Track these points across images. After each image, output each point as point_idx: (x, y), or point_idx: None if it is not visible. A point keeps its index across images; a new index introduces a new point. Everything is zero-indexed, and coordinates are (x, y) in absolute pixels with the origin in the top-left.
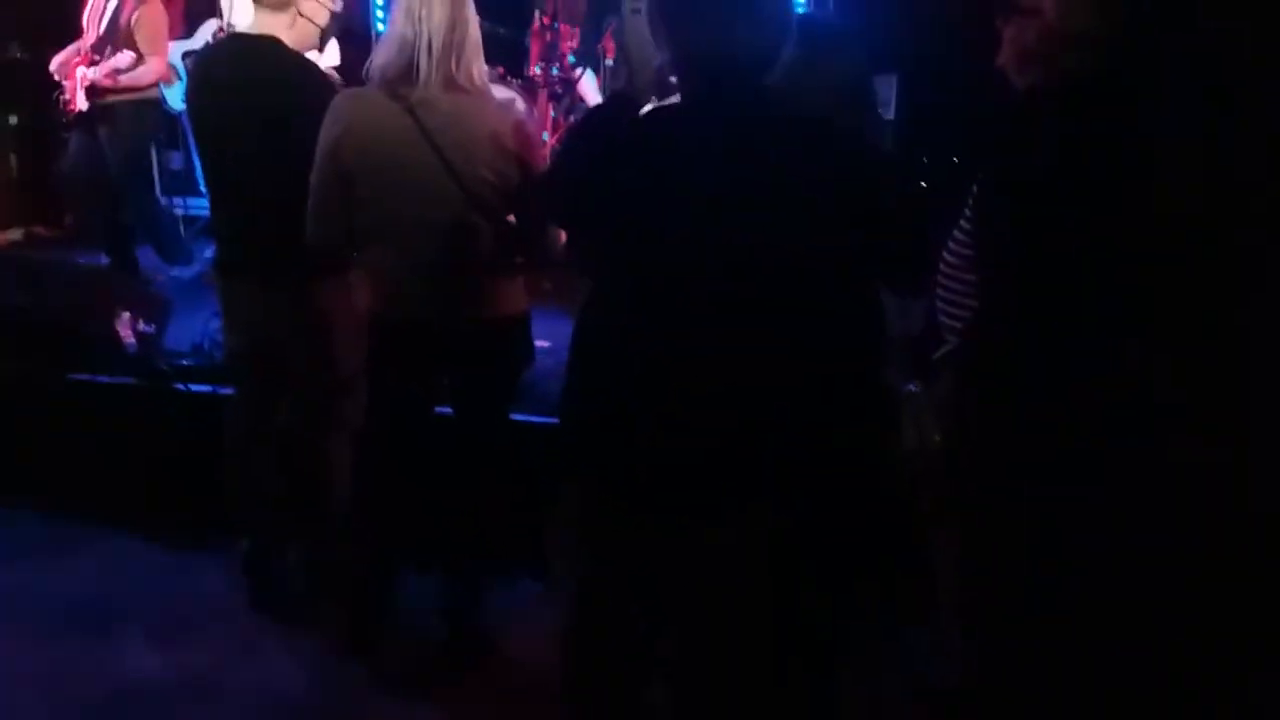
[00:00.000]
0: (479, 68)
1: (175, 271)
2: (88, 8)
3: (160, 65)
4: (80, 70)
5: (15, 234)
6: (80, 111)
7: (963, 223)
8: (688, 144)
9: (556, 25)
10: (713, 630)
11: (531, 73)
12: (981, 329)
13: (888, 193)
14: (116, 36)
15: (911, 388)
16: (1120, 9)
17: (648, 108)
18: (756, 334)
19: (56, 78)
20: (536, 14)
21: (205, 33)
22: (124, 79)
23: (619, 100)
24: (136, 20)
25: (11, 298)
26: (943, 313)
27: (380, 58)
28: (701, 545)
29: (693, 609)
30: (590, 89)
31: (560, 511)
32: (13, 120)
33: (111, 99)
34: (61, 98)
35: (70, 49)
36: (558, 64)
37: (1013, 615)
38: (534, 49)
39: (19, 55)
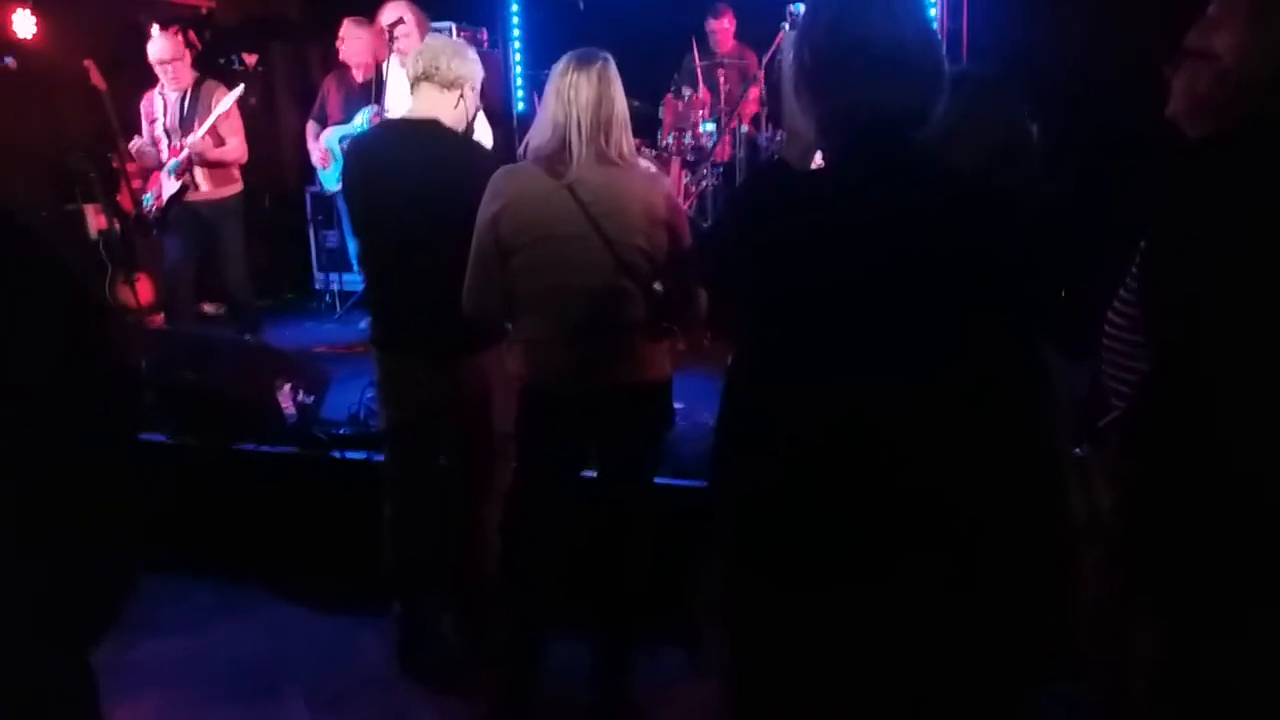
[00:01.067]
0: (628, 141)
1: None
2: (144, 106)
3: (243, 146)
4: (170, 162)
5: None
6: (169, 209)
7: (1129, 281)
8: (837, 207)
9: (689, 96)
10: (877, 693)
11: (665, 142)
12: (1150, 395)
13: (1043, 250)
14: (192, 126)
15: (1079, 453)
16: None
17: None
18: (915, 395)
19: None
20: (673, 87)
21: (361, 118)
22: (214, 154)
23: (776, 167)
24: (217, 106)
25: (180, 372)
26: (1108, 376)
27: (535, 138)
28: (857, 610)
29: (850, 671)
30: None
31: (709, 579)
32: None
33: (219, 195)
34: (144, 198)
35: (140, 148)
36: (690, 133)
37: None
38: (667, 119)
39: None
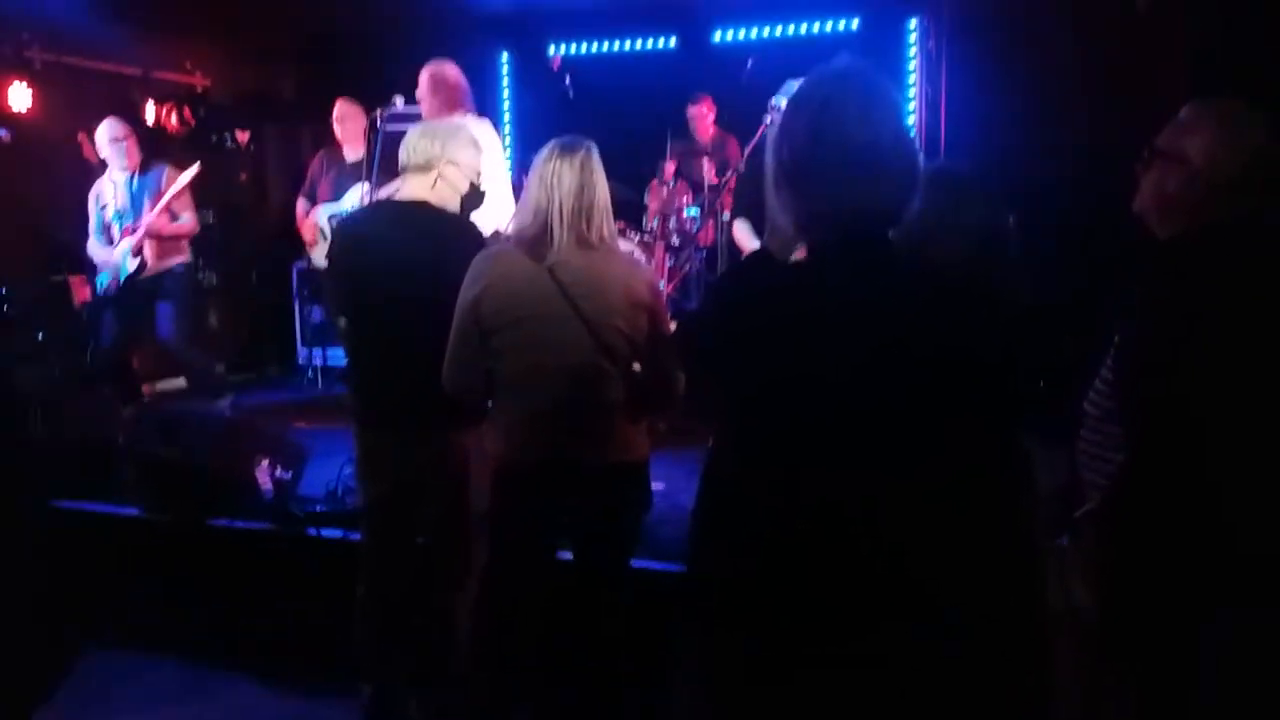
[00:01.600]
0: (608, 226)
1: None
2: (94, 193)
3: (194, 219)
4: (124, 243)
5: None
6: (125, 286)
7: (1104, 373)
8: (816, 301)
9: (674, 184)
10: None
11: (649, 226)
12: (1126, 486)
13: (1023, 342)
14: (142, 206)
15: (1063, 543)
16: (1276, 156)
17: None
18: (893, 487)
19: (97, 260)
20: (658, 173)
21: (351, 197)
22: (169, 230)
23: (759, 257)
24: (171, 185)
25: (157, 446)
26: (1085, 466)
27: (518, 222)
28: (835, 699)
29: None
30: (745, 235)
31: (685, 662)
32: (211, 280)
33: (166, 265)
34: (99, 277)
35: (92, 251)
36: (675, 218)
37: None
38: (652, 204)
39: (210, 220)
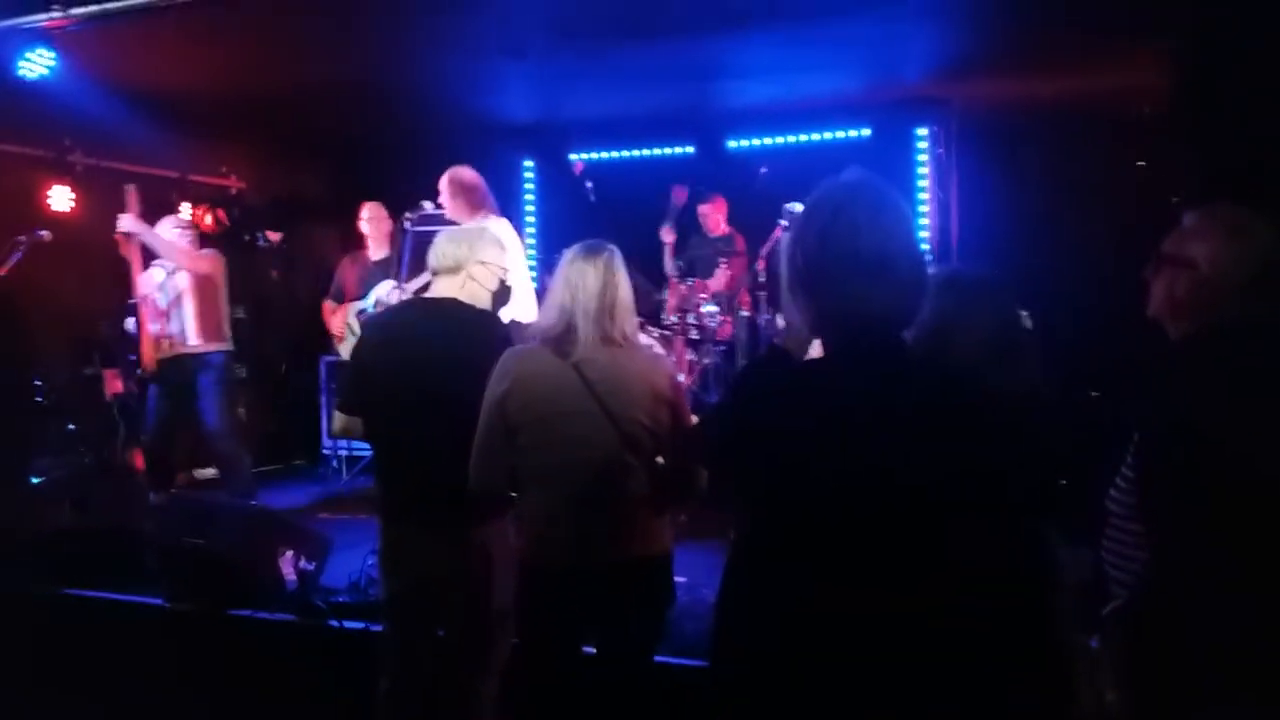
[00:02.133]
0: (630, 324)
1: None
2: (143, 286)
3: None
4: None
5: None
6: (169, 363)
7: (1125, 470)
8: (827, 398)
9: (691, 280)
10: None
11: (668, 321)
12: (1151, 585)
13: (1038, 444)
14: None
15: (1092, 643)
16: None
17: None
18: (916, 583)
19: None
20: (673, 272)
21: (379, 292)
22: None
23: (774, 354)
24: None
25: (183, 536)
26: (1109, 564)
27: (543, 321)
28: None
29: None
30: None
31: None
32: (241, 372)
33: (210, 348)
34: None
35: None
36: (693, 313)
37: None
38: (671, 300)
39: (242, 315)
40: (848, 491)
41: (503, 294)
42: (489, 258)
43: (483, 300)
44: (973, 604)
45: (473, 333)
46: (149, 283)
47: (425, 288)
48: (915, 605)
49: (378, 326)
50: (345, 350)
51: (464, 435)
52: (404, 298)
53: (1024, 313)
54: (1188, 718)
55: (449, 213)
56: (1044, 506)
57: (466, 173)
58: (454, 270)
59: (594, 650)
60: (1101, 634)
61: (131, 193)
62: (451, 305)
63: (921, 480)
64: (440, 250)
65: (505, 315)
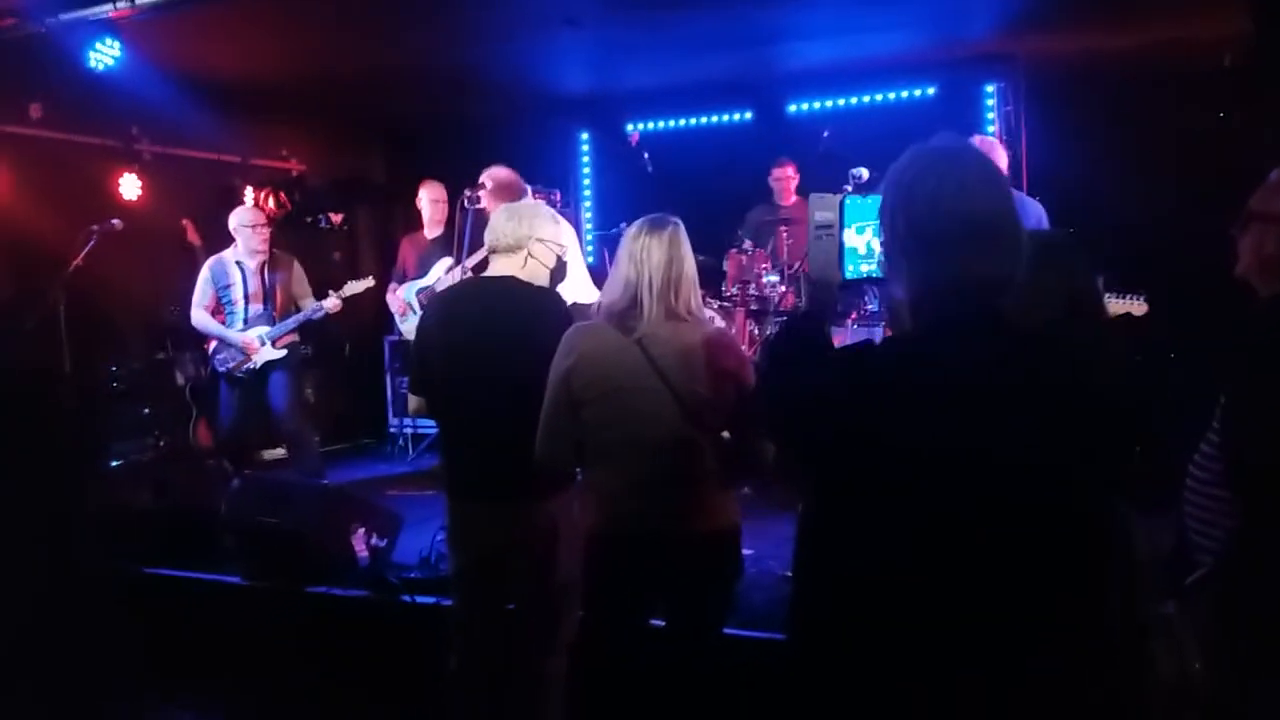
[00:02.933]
0: (696, 299)
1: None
2: (211, 269)
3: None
4: (261, 330)
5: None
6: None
7: (1210, 435)
8: (933, 376)
9: (753, 250)
10: None
11: (729, 293)
12: (1241, 550)
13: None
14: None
15: (1169, 610)
16: None
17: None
18: (999, 562)
19: (216, 335)
20: (737, 240)
21: (438, 270)
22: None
23: (808, 320)
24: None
25: (258, 516)
26: (1193, 530)
27: (608, 296)
28: None
29: None
30: None
31: None
32: (307, 353)
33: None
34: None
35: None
36: (754, 284)
37: None
38: (731, 271)
39: None
40: (959, 469)
41: (559, 270)
42: (547, 234)
43: (541, 278)
44: (1058, 576)
45: (534, 310)
46: (222, 274)
47: (483, 265)
48: (1002, 580)
49: (439, 305)
50: (407, 329)
51: (527, 412)
52: (464, 275)
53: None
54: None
55: (490, 211)
56: (1124, 477)
57: (501, 172)
58: (514, 249)
59: (662, 624)
60: (1184, 603)
61: (189, 225)
62: (512, 283)
63: (1031, 458)
64: (500, 229)
65: (567, 297)
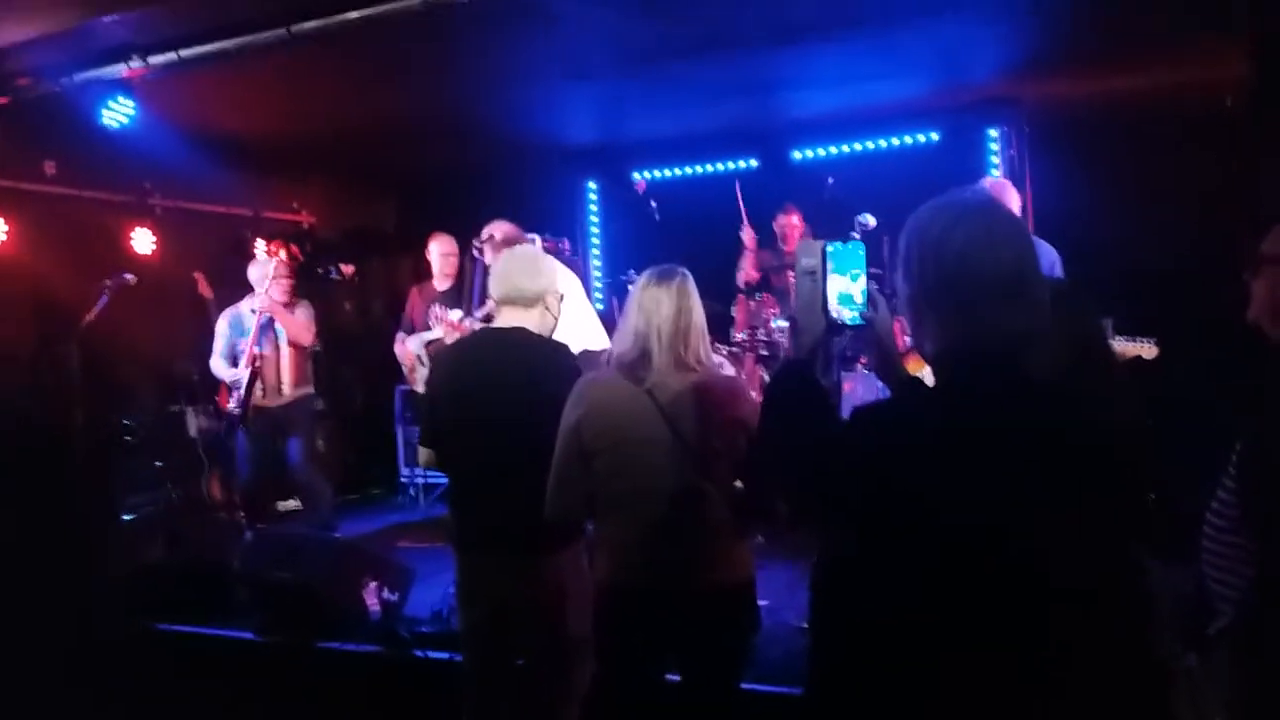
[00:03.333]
0: (705, 348)
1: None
2: (228, 320)
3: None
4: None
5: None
6: (260, 415)
7: (1226, 481)
8: (960, 430)
9: (760, 295)
10: None
11: (737, 338)
12: (1261, 600)
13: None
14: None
15: (1190, 662)
16: None
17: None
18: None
19: (241, 387)
20: (741, 287)
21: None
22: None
23: (796, 367)
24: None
25: (271, 570)
26: (1211, 579)
27: (618, 347)
28: None
29: None
30: None
31: None
32: (320, 405)
33: (299, 394)
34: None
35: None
36: (762, 329)
37: None
38: (740, 317)
39: (318, 349)
40: (982, 522)
41: (558, 318)
42: (559, 286)
43: (550, 329)
44: (1077, 627)
45: (544, 362)
46: (239, 325)
47: (490, 317)
48: (1021, 629)
49: (450, 357)
50: (418, 380)
51: (536, 465)
52: (475, 327)
53: (1105, 324)
54: None
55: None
56: (1143, 527)
57: (501, 227)
58: (532, 303)
59: (678, 678)
60: (1204, 653)
61: (201, 278)
62: (524, 335)
63: (1053, 510)
64: (516, 280)
65: (577, 345)
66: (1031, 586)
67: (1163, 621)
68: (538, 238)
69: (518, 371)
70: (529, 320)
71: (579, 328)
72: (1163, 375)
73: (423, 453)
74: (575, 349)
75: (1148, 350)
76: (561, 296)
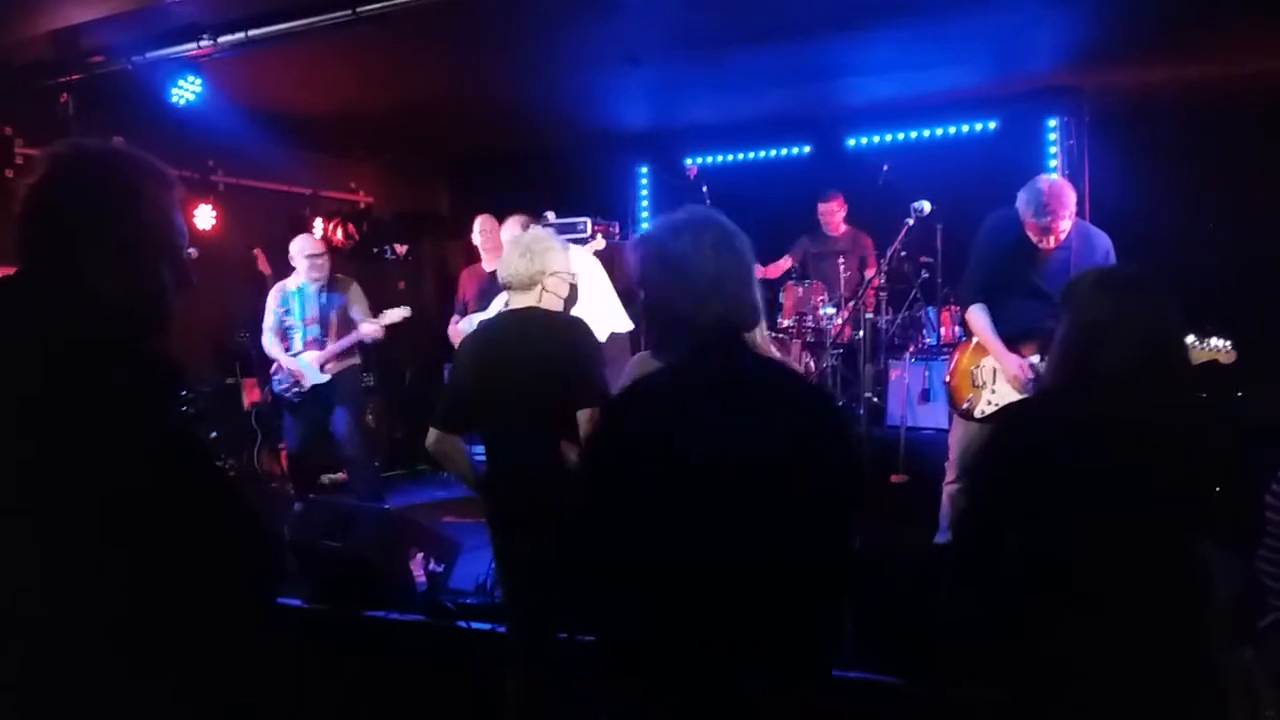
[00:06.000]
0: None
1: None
2: (276, 295)
3: (376, 326)
4: (310, 355)
5: (340, 475)
6: (309, 393)
7: None
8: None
9: (810, 281)
10: None
11: (785, 324)
12: None
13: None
14: (330, 319)
15: (1245, 654)
16: None
17: None
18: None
19: (282, 362)
20: (791, 270)
21: (498, 304)
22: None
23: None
24: (351, 299)
25: (321, 539)
26: (1266, 574)
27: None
28: None
29: None
30: (980, 320)
31: None
32: (369, 381)
33: (343, 367)
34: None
35: (270, 336)
36: (811, 316)
37: None
38: (788, 303)
39: None
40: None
41: (572, 296)
42: (558, 266)
43: (557, 307)
44: (1139, 618)
45: (556, 339)
46: (284, 302)
47: None
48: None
49: (470, 342)
50: None
51: (558, 436)
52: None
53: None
54: None
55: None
56: (1203, 518)
57: (512, 225)
58: (528, 286)
59: None
60: (1258, 648)
61: (260, 255)
62: (536, 314)
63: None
64: (511, 266)
65: (604, 328)
66: (1093, 577)
67: (1219, 614)
68: (589, 220)
69: (528, 350)
70: (530, 302)
71: (602, 309)
72: (1236, 379)
73: (431, 434)
74: (598, 330)
75: (1225, 355)
76: (562, 276)
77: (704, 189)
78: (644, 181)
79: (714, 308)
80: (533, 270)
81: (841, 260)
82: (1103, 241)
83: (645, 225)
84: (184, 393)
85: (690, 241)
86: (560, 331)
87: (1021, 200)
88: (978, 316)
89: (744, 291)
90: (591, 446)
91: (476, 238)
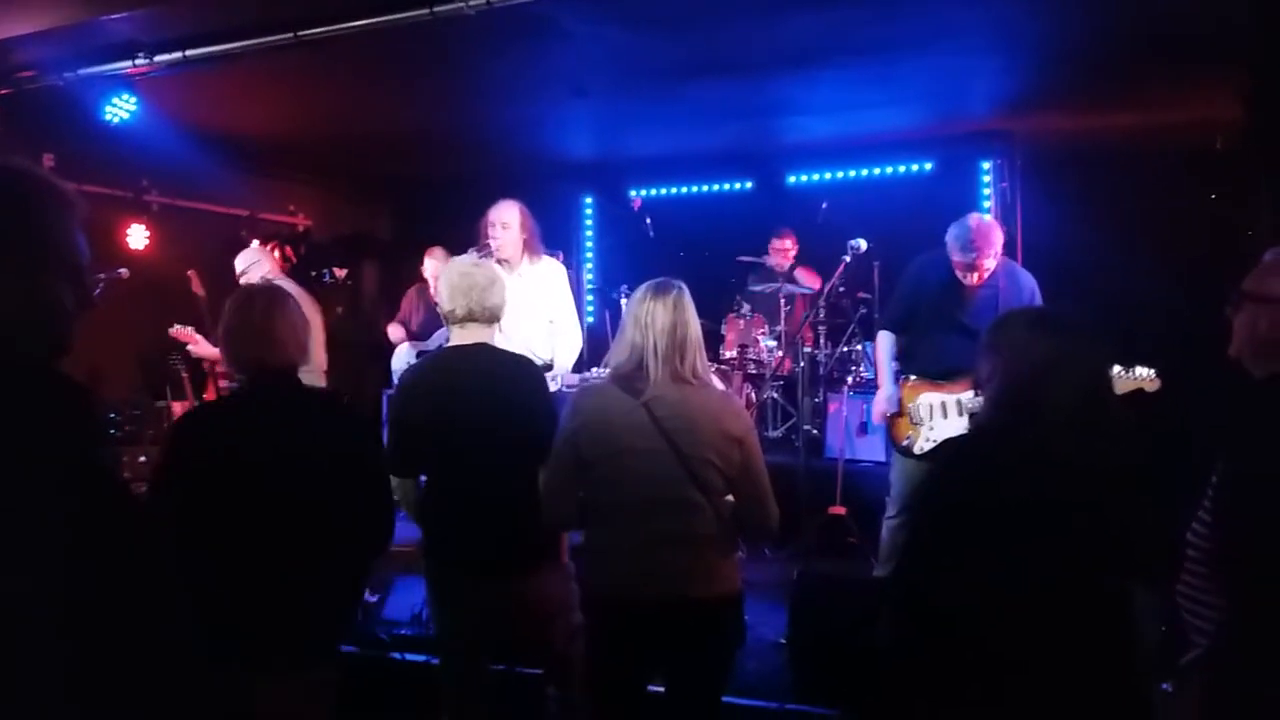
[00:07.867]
0: (701, 362)
1: None
2: None
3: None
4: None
5: None
6: None
7: (1202, 514)
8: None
9: (751, 314)
10: None
11: (726, 356)
12: (1230, 634)
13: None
14: None
15: (1165, 688)
16: None
17: None
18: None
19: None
20: (735, 305)
21: (439, 338)
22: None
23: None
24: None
25: None
26: (1185, 610)
27: (614, 358)
28: None
29: None
30: (885, 348)
31: None
32: None
33: None
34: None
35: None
36: (752, 348)
37: None
38: (730, 335)
39: None
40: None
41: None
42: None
43: (504, 342)
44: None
45: (515, 378)
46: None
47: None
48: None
49: (411, 380)
50: None
51: (509, 478)
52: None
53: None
54: None
55: (501, 246)
56: (1141, 552)
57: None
58: (491, 320)
59: (662, 689)
60: (1178, 683)
61: (194, 276)
62: (487, 350)
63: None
64: (472, 300)
65: (561, 360)
66: (1032, 611)
67: (1148, 650)
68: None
69: (489, 389)
70: (487, 337)
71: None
72: (1159, 407)
73: (395, 484)
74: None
75: (1150, 383)
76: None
77: (648, 220)
78: (589, 211)
79: None
80: (497, 302)
81: (784, 298)
82: (1028, 281)
83: (589, 255)
84: (110, 415)
85: None
86: (508, 370)
87: (951, 235)
88: (882, 343)
89: None
90: None
91: (427, 271)
